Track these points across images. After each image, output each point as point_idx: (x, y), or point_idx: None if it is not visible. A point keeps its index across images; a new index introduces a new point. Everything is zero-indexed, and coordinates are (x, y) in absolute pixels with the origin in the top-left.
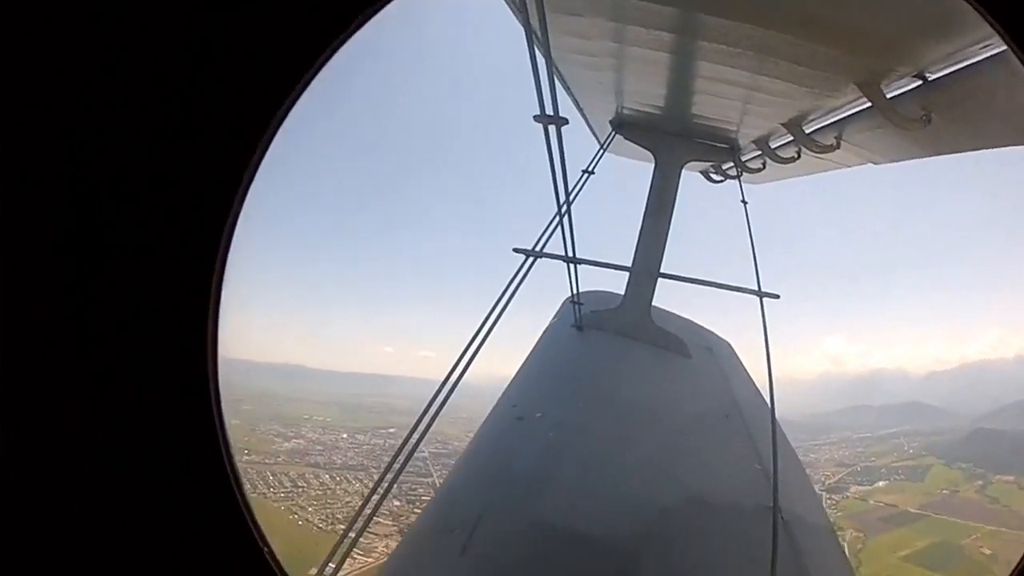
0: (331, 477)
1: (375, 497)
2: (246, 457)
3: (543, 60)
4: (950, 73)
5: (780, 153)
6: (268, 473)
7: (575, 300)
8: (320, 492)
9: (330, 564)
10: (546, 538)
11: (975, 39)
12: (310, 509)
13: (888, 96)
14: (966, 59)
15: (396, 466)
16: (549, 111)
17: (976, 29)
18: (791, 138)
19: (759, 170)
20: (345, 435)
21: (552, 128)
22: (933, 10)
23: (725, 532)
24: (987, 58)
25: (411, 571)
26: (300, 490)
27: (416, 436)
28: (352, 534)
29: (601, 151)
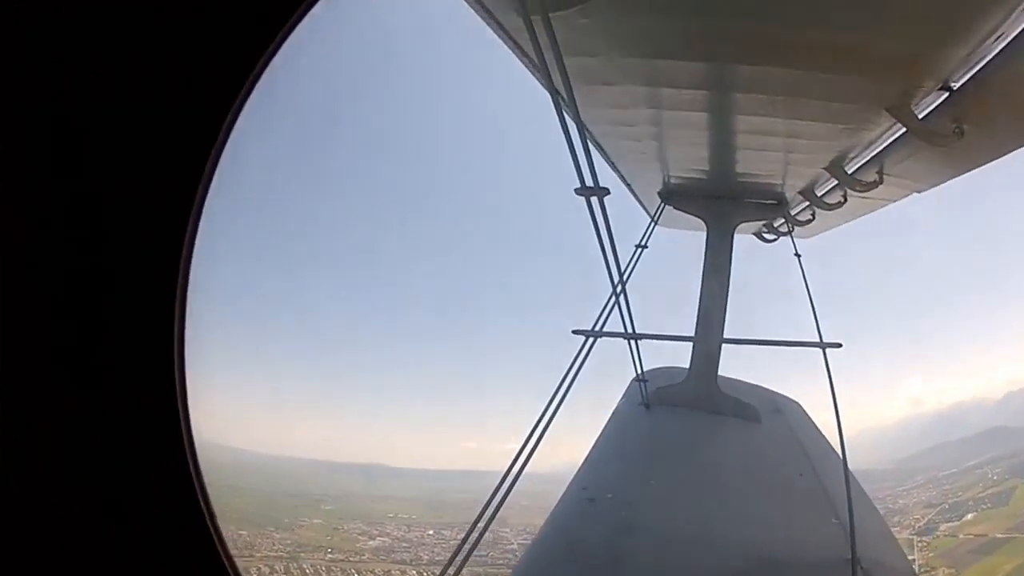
0: (418, 573)
1: None
2: (330, 555)
3: (575, 128)
4: (973, 76)
5: (827, 200)
6: (353, 571)
7: (641, 379)
8: None
9: None
10: None
11: (988, 32)
12: None
13: (920, 116)
14: (984, 56)
15: (465, 553)
16: (589, 182)
17: (986, 21)
18: (835, 182)
19: (809, 221)
20: (431, 531)
21: (596, 201)
22: (944, 15)
23: None
24: (1004, 51)
25: None
26: None
27: (483, 522)
28: None
29: (652, 224)
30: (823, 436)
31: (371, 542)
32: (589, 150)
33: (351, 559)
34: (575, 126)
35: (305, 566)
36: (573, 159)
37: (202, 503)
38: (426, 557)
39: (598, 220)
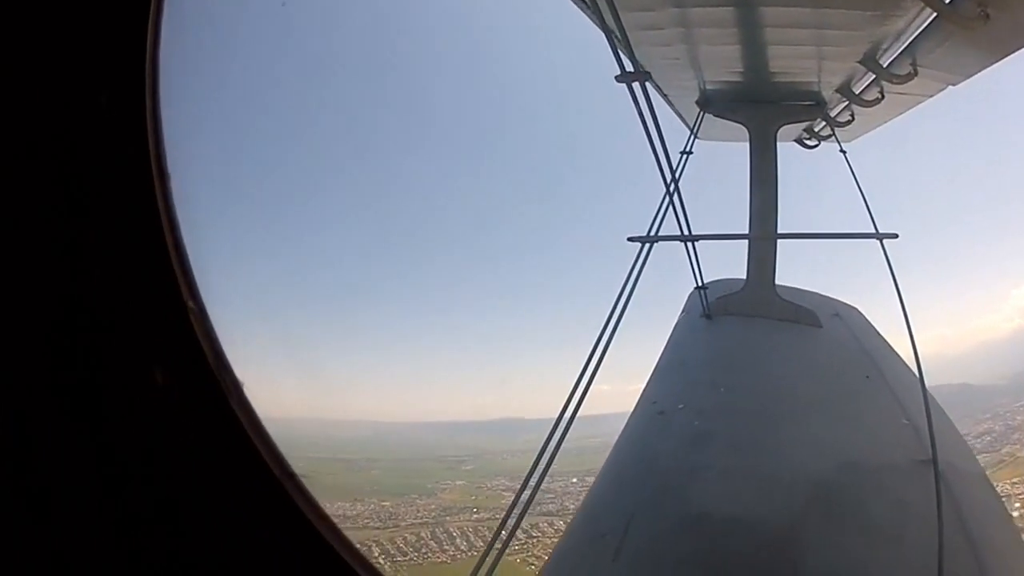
0: (566, 523)
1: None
2: (475, 515)
3: (606, 8)
4: None
5: (864, 96)
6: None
7: (701, 288)
8: (556, 538)
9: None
10: (701, 530)
11: None
12: (546, 557)
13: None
14: None
15: (534, 480)
16: (628, 67)
17: None
18: (871, 78)
19: (849, 122)
20: (575, 479)
21: (638, 88)
22: None
23: (883, 493)
24: None
25: None
26: (535, 540)
27: (552, 445)
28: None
29: (692, 135)
30: (884, 339)
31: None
32: (626, 33)
33: (497, 517)
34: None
35: (452, 529)
36: (610, 45)
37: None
38: (572, 506)
39: (642, 108)
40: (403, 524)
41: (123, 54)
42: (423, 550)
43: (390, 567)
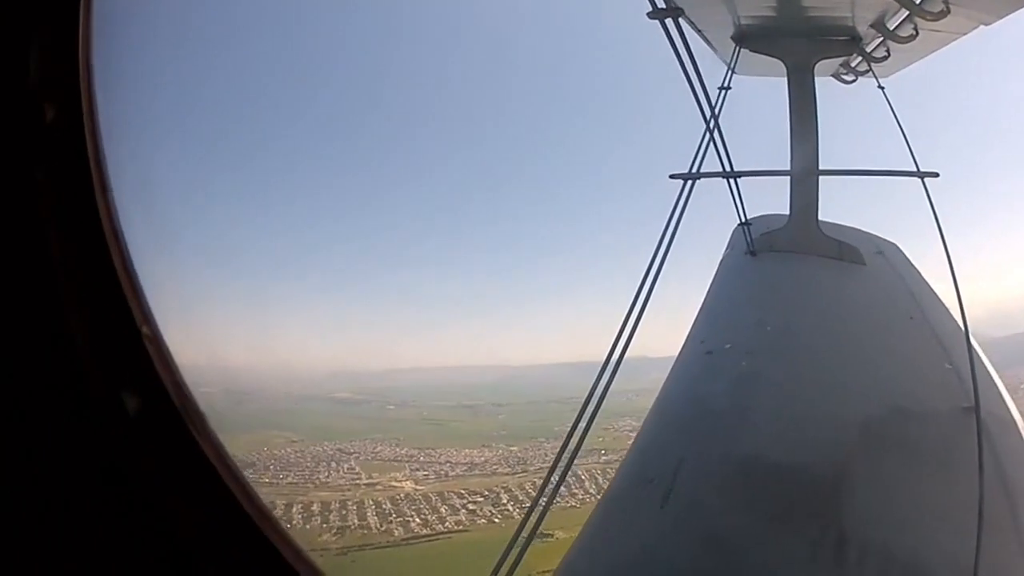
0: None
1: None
2: (604, 457)
3: None
4: None
5: (899, 33)
6: None
7: (745, 224)
8: None
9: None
10: (749, 474)
11: None
12: None
13: None
14: None
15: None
16: (660, 3)
17: None
18: (905, 13)
19: (884, 58)
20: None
21: (671, 25)
22: None
23: (927, 439)
24: None
25: (612, 531)
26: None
27: (604, 382)
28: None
29: (729, 70)
30: (924, 278)
31: None
32: None
33: None
34: None
35: (580, 472)
36: None
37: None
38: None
39: (677, 45)
40: (531, 469)
41: (51, 50)
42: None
43: (518, 514)
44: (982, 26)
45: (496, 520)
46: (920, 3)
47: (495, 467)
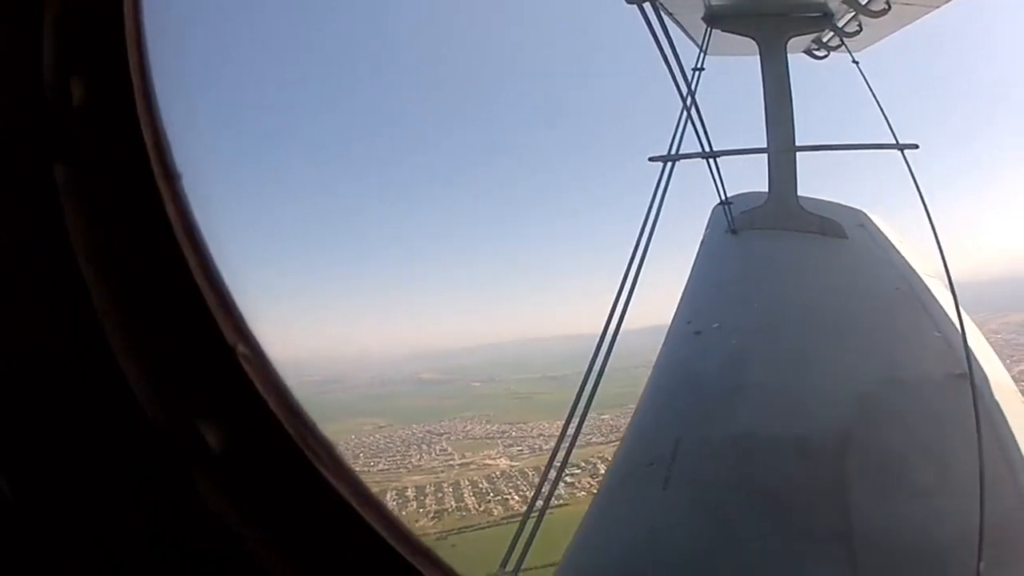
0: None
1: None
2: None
3: None
4: None
5: (871, 7)
6: None
7: (725, 202)
8: None
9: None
10: (748, 451)
11: None
12: None
13: None
14: None
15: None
16: None
17: None
18: None
19: (857, 32)
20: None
21: (649, 8)
22: None
23: (923, 407)
24: None
25: (618, 516)
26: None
27: (598, 363)
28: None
29: (701, 52)
30: (905, 249)
31: None
32: None
33: None
34: None
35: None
36: None
37: None
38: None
39: (655, 28)
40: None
41: (101, 40)
42: None
43: None
44: None
45: (596, 491)
46: None
47: (588, 436)
